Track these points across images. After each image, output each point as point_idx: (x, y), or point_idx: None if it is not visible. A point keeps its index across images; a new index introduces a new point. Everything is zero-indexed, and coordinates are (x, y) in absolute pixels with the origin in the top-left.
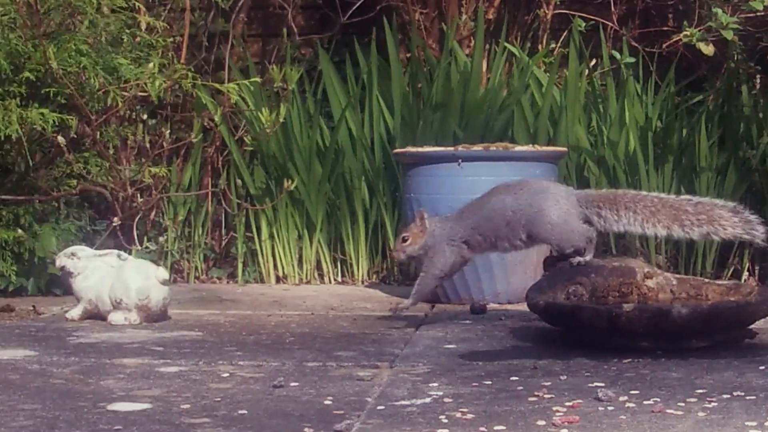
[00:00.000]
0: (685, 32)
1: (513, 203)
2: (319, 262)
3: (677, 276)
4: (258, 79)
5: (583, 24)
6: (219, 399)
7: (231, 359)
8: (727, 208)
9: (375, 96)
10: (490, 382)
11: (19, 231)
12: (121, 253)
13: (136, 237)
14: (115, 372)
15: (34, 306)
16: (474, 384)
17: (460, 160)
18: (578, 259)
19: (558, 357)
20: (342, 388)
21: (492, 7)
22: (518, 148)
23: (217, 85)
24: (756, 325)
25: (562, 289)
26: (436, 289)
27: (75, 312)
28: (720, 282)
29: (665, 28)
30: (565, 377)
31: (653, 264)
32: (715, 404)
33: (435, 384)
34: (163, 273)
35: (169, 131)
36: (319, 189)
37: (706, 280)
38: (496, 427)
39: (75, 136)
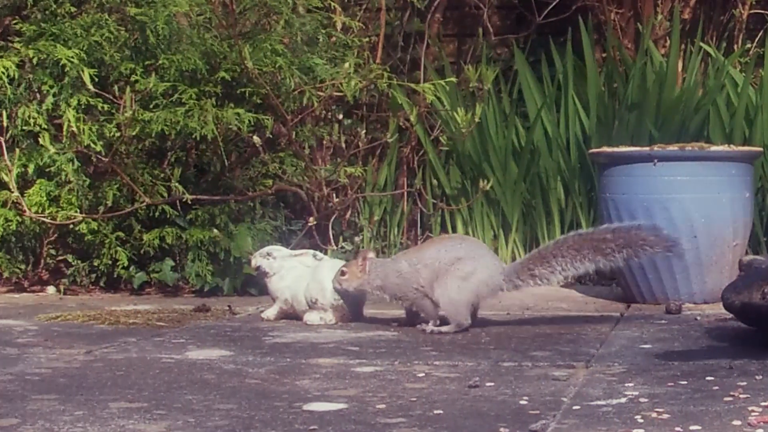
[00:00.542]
0: None
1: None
2: None
3: None
4: (454, 79)
5: None
6: (414, 399)
7: (426, 359)
8: (645, 228)
9: (570, 96)
10: (685, 382)
11: (215, 231)
12: (317, 253)
13: (331, 237)
14: (310, 372)
15: (229, 306)
16: (669, 384)
17: (655, 160)
18: None
19: (754, 357)
20: (537, 388)
21: (687, 7)
22: (714, 147)
23: (412, 85)
24: None
25: (757, 288)
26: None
27: (270, 312)
28: None
29: None
30: (761, 377)
31: None
32: None
33: (630, 384)
34: None
35: (364, 131)
36: (515, 189)
37: None
38: (691, 427)
39: (270, 136)
